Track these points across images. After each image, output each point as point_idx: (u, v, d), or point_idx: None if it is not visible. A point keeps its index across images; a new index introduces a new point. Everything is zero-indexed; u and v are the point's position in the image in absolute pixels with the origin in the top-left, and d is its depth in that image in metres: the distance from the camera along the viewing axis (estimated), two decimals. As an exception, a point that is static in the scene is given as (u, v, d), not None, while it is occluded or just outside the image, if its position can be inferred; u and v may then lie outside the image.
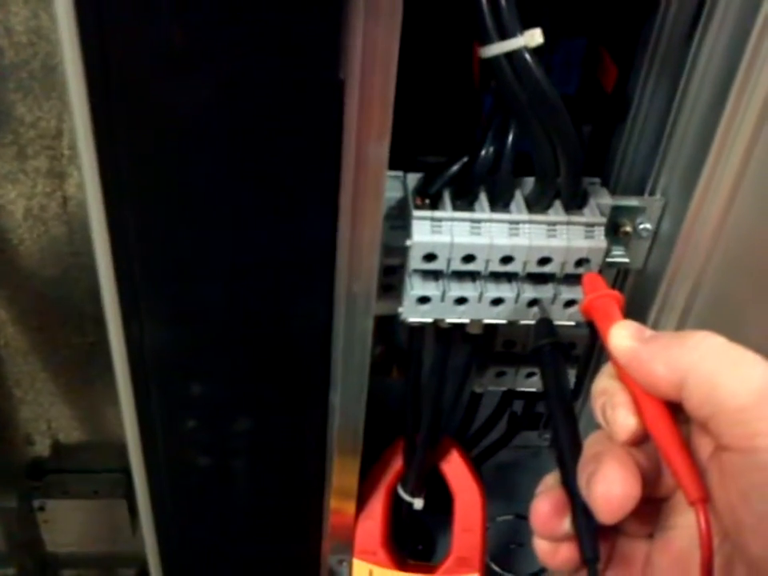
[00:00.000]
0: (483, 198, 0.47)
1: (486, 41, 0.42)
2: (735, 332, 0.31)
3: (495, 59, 0.42)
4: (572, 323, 0.50)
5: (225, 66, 0.38)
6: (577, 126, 0.45)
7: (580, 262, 0.47)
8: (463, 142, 0.49)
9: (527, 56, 0.41)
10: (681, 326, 0.49)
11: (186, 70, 0.38)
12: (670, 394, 0.31)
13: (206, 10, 0.36)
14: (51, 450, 0.99)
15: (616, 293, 0.40)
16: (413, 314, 0.49)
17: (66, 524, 1.06)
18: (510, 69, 0.41)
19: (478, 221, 0.46)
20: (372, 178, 0.41)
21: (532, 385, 0.58)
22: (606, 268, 0.49)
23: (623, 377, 0.33)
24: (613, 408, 0.33)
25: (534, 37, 0.42)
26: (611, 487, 0.31)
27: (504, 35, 0.42)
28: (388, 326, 0.52)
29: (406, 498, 0.62)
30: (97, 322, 0.94)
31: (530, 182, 0.48)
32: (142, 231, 0.43)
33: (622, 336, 0.33)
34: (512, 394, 0.61)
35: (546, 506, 0.35)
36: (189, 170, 0.41)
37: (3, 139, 0.85)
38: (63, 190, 0.89)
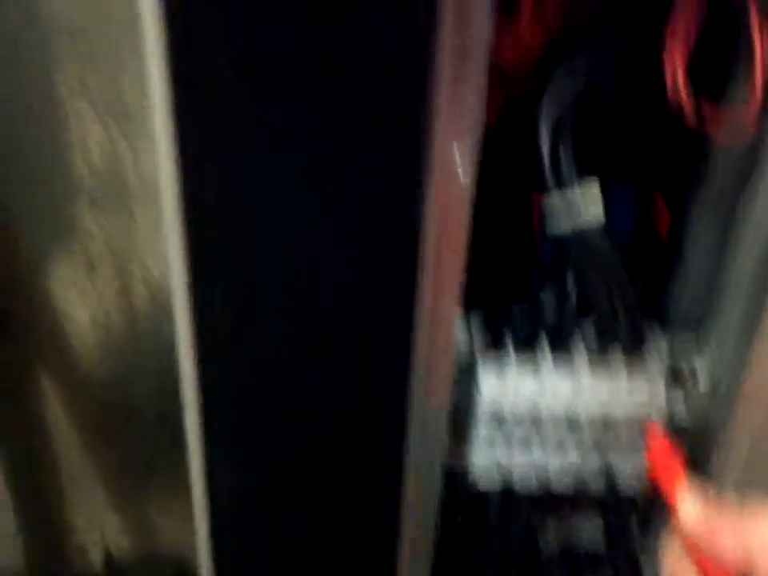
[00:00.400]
0: (544, 343, 0.49)
1: (545, 190, 0.45)
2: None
3: (563, 237, 0.44)
4: (635, 473, 0.50)
5: (305, 220, 0.40)
6: (634, 273, 0.47)
7: (641, 411, 0.48)
8: (521, 282, 0.51)
9: (595, 236, 0.43)
10: (742, 480, 0.48)
11: (275, 221, 0.41)
12: (738, 566, 0.32)
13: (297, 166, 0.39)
14: (103, 561, 0.99)
15: (679, 455, 0.40)
16: (479, 463, 0.49)
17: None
18: (577, 245, 0.44)
19: (541, 371, 0.48)
20: (444, 328, 0.43)
21: (596, 537, 0.57)
22: (665, 418, 0.49)
23: (690, 545, 0.34)
24: None
25: (594, 197, 0.44)
26: None
27: (562, 184, 0.45)
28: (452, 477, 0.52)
29: None
30: (157, 427, 0.95)
31: (588, 322, 0.49)
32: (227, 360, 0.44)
33: (689, 506, 0.34)
34: (574, 545, 0.60)
35: None
36: (274, 309, 0.43)
37: (72, 250, 0.88)
38: (129, 302, 0.92)
